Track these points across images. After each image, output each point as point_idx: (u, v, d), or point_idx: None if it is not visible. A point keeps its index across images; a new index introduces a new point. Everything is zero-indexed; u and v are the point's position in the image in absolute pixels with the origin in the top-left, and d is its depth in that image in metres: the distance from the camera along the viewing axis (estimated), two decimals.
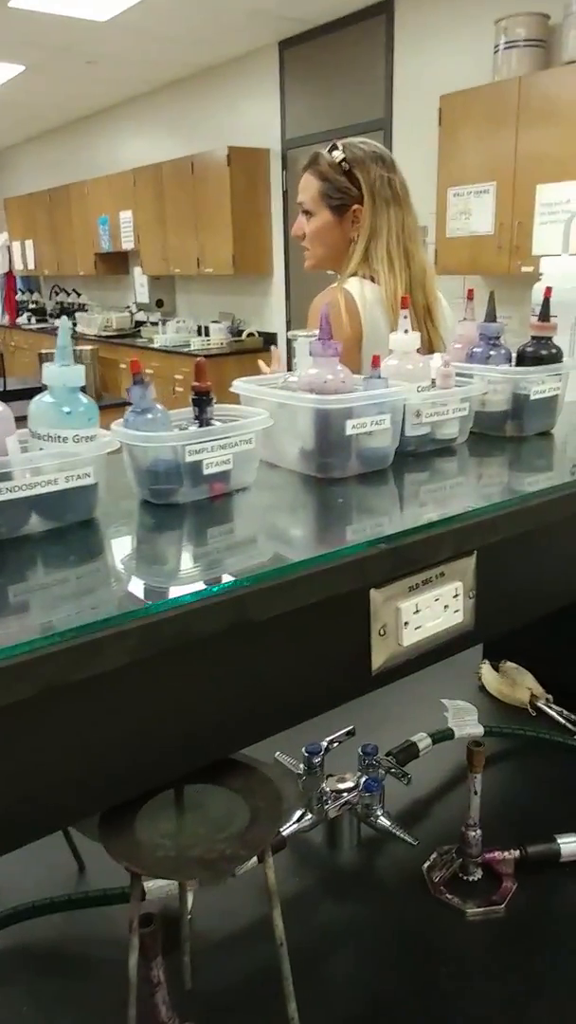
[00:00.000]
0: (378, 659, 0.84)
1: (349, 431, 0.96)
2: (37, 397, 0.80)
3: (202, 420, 0.91)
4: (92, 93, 7.13)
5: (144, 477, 0.88)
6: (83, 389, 0.82)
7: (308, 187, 1.65)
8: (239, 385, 1.04)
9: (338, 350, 0.98)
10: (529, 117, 3.87)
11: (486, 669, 1.62)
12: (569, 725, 1.45)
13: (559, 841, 1.12)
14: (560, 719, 1.47)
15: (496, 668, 1.62)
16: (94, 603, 0.67)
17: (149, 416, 0.87)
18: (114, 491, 0.91)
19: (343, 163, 1.56)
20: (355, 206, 1.57)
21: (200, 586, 0.68)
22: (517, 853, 1.12)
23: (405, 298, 1.09)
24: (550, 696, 1.52)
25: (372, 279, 1.61)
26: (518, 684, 1.55)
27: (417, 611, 0.86)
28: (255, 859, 0.81)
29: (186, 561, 0.80)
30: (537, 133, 3.85)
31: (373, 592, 0.81)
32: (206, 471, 0.88)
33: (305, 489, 0.98)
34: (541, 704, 1.50)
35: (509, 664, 1.61)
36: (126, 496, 0.91)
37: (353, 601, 0.80)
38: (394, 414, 1.01)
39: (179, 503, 0.89)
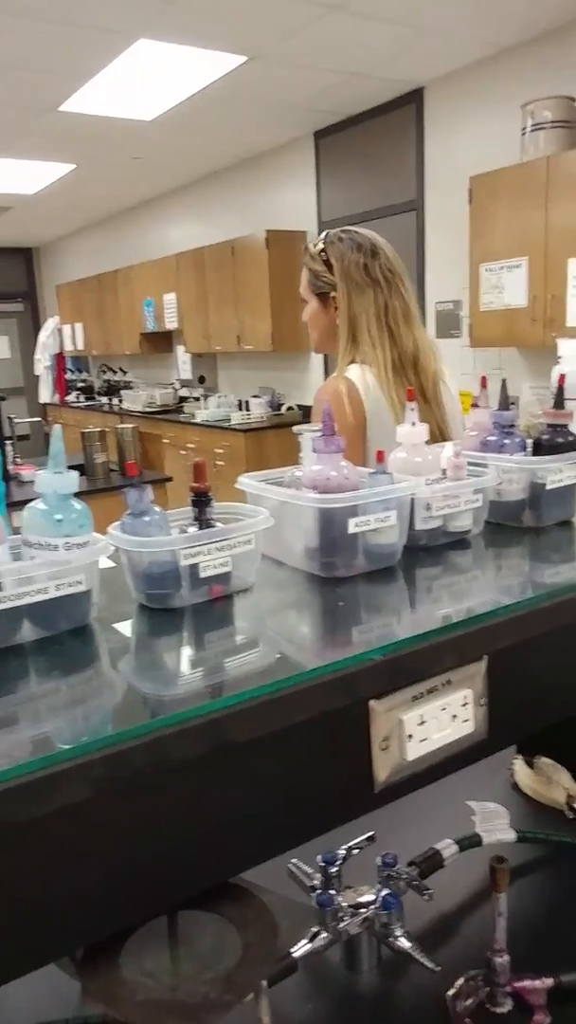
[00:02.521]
0: (381, 774, 0.79)
1: (353, 529, 0.94)
2: (30, 504, 0.80)
3: (202, 521, 0.90)
4: (138, 185, 7.52)
5: (140, 581, 0.87)
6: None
7: (302, 277, 1.73)
8: (244, 481, 1.03)
9: (341, 446, 0.97)
10: (558, 194, 3.92)
11: (519, 765, 1.53)
12: None
13: None
14: None
15: (530, 764, 1.53)
16: (59, 727, 0.64)
17: (146, 519, 0.86)
18: (115, 591, 0.90)
19: (321, 253, 1.62)
20: (333, 293, 1.62)
21: (175, 709, 0.65)
22: (551, 981, 1.03)
23: (410, 391, 1.08)
24: None
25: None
26: (554, 782, 1.46)
27: (422, 722, 0.81)
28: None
29: (170, 676, 0.77)
30: (567, 209, 3.89)
31: (372, 703, 0.77)
32: (203, 574, 0.86)
33: (308, 589, 0.95)
34: None
35: (544, 760, 1.52)
36: (126, 598, 0.89)
37: (351, 713, 0.76)
38: (400, 509, 0.98)
39: (176, 607, 0.87)
